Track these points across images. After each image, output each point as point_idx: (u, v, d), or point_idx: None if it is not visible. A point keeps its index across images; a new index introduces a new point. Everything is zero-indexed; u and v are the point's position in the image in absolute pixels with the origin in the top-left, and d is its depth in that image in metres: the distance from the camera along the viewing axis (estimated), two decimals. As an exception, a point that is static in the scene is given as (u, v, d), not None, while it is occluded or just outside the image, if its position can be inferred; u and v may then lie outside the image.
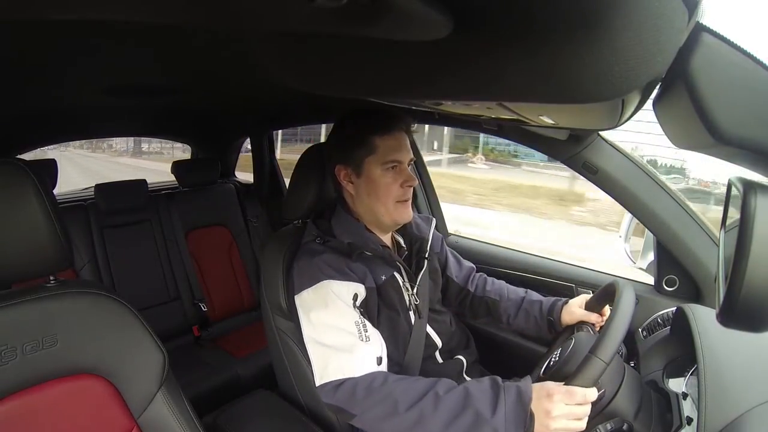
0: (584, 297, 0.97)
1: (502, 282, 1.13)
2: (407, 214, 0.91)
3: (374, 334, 0.82)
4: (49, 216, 0.65)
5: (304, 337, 0.84)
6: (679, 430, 0.67)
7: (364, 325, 0.81)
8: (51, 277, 0.70)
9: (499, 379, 0.72)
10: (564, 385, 0.67)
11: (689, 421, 0.66)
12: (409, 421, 0.70)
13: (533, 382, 0.70)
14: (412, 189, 0.91)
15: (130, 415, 0.73)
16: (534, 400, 0.66)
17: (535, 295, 1.06)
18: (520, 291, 1.08)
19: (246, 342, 1.74)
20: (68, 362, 0.68)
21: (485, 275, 1.15)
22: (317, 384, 0.80)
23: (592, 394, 0.66)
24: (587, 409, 0.66)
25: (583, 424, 0.66)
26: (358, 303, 0.84)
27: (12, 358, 0.63)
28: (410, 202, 0.92)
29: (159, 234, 1.83)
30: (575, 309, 0.96)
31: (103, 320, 0.71)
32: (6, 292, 0.67)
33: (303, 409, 0.99)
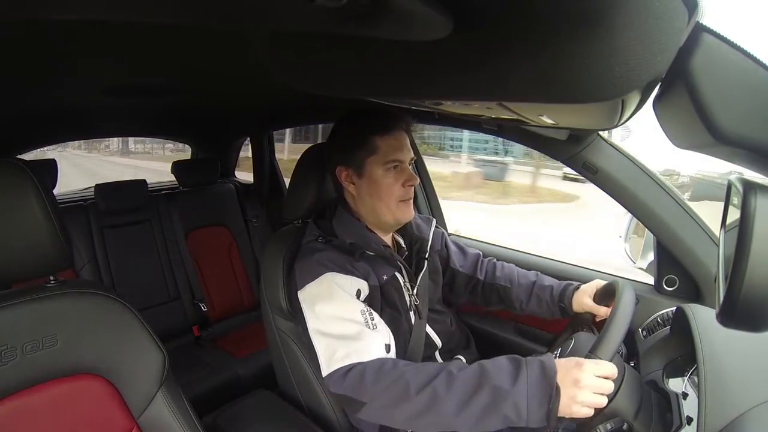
0: (596, 283, 0.95)
1: (512, 266, 1.11)
2: (409, 213, 0.91)
3: (381, 322, 0.81)
4: (49, 216, 0.65)
5: (309, 330, 0.83)
6: (679, 429, 0.66)
7: (371, 314, 0.81)
8: (51, 277, 0.70)
9: (518, 356, 0.70)
10: None
11: (689, 420, 0.66)
12: (422, 404, 0.67)
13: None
14: (413, 188, 0.91)
15: (130, 415, 0.73)
16: (561, 371, 0.64)
17: (546, 279, 1.04)
18: (531, 275, 1.07)
19: (246, 342, 1.74)
20: (68, 362, 0.68)
21: (495, 260, 1.13)
22: (324, 374, 0.78)
23: (615, 370, 0.65)
24: (612, 385, 0.64)
25: (605, 401, 0.64)
26: (361, 299, 0.84)
27: (12, 358, 0.63)
28: (412, 201, 0.92)
29: (159, 234, 1.83)
30: (585, 299, 0.94)
31: (103, 320, 0.71)
32: (6, 292, 0.67)
33: (303, 409, 0.99)
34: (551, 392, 0.63)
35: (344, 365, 0.75)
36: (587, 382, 0.62)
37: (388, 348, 0.79)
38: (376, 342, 0.78)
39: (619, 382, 0.70)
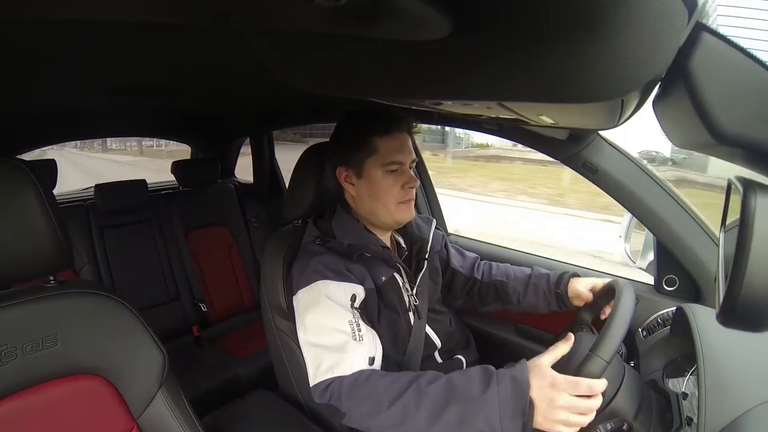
0: (592, 280, 0.95)
1: (507, 264, 1.12)
2: (410, 213, 0.91)
3: (368, 334, 0.81)
4: (49, 216, 0.65)
5: (299, 338, 0.84)
6: (679, 430, 0.66)
7: (359, 325, 0.81)
8: (51, 277, 0.70)
9: (491, 367, 0.69)
10: None
11: (689, 421, 0.66)
12: (395, 418, 0.68)
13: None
14: (413, 190, 0.90)
15: (130, 415, 0.73)
16: (536, 389, 0.63)
17: (541, 270, 1.05)
18: (526, 269, 1.08)
19: (246, 342, 1.74)
20: (68, 362, 0.68)
21: (490, 261, 1.14)
22: (311, 384, 0.79)
23: (600, 385, 0.63)
24: (592, 404, 0.63)
25: (587, 420, 0.63)
26: (356, 304, 0.83)
27: (12, 358, 0.63)
28: (413, 201, 0.91)
29: (159, 234, 1.83)
30: (581, 287, 0.94)
31: (103, 320, 0.71)
32: (6, 292, 0.67)
33: (303, 409, 0.99)
34: (524, 406, 0.62)
35: (326, 378, 0.76)
36: (562, 402, 0.62)
37: (372, 361, 0.79)
38: (359, 355, 0.78)
39: (618, 382, 0.70)
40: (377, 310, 0.88)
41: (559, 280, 0.99)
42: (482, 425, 0.63)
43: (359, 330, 0.80)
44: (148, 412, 0.74)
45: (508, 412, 0.62)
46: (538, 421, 0.63)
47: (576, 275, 0.98)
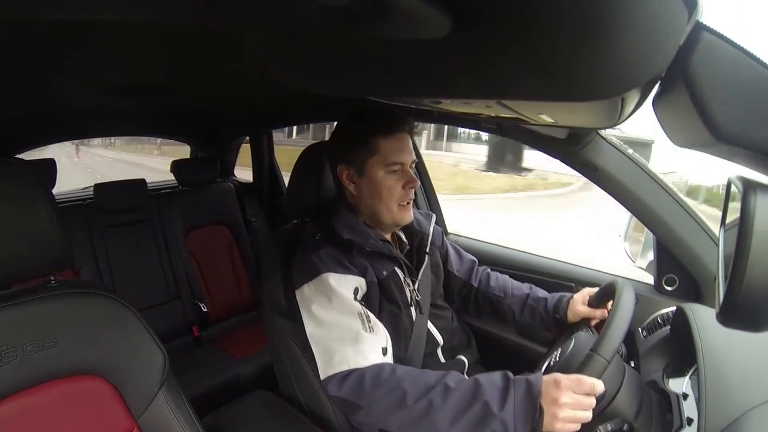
0: (588, 291, 0.97)
1: (506, 277, 1.12)
2: (408, 215, 0.91)
3: (378, 325, 0.81)
4: (49, 216, 0.65)
5: (306, 331, 0.83)
6: (680, 430, 0.66)
7: (368, 316, 0.80)
8: (51, 277, 0.70)
9: (510, 372, 0.72)
10: None
11: (689, 421, 0.66)
12: (418, 413, 0.69)
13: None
14: (413, 190, 0.90)
15: (131, 416, 0.73)
16: (543, 391, 0.66)
17: (540, 292, 1.06)
18: (524, 287, 1.08)
19: (246, 342, 1.74)
20: (68, 362, 0.68)
21: (488, 269, 1.14)
22: (322, 377, 0.79)
23: (600, 385, 0.65)
24: (594, 400, 0.65)
25: (589, 415, 0.65)
26: (359, 297, 0.83)
27: (12, 358, 0.63)
28: (412, 203, 0.92)
29: (159, 234, 1.82)
30: (579, 307, 0.95)
31: (103, 320, 0.71)
32: (6, 292, 0.67)
33: (303, 410, 0.99)
34: (535, 411, 0.65)
35: (342, 370, 0.76)
36: (565, 400, 0.64)
37: (385, 351, 0.79)
38: (373, 346, 0.78)
39: (619, 383, 0.70)
40: (379, 305, 0.88)
41: (557, 304, 1.00)
42: (498, 427, 0.65)
43: (369, 321, 0.80)
44: (148, 412, 0.74)
45: (521, 416, 0.65)
46: (547, 420, 0.64)
47: (572, 297, 0.99)
